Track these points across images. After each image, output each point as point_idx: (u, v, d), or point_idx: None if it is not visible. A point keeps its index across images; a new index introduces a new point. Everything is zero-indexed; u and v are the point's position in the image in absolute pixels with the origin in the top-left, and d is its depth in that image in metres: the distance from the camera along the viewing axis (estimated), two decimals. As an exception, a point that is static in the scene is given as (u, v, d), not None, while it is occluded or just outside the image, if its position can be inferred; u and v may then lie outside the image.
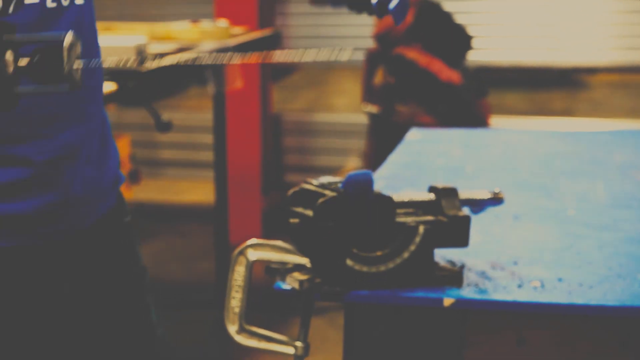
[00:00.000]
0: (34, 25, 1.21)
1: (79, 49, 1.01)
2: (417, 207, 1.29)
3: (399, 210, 1.25)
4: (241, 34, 3.59)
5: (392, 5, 1.26)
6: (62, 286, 1.37)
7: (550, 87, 7.86)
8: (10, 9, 1.20)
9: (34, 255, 1.30)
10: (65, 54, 0.97)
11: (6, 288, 1.29)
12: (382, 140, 3.75)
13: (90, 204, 1.34)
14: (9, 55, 0.96)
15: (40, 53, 0.97)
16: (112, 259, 1.47)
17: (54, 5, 1.23)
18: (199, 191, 4.86)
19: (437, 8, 3.94)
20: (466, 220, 1.22)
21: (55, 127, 1.23)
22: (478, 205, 1.32)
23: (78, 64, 0.99)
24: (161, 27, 3.58)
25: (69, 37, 0.98)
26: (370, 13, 1.31)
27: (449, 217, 1.24)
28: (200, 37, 3.47)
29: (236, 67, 3.68)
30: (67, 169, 1.24)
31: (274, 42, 3.90)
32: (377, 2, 1.29)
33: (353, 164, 4.58)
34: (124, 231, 1.50)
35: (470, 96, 3.79)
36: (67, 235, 1.32)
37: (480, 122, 3.71)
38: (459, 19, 3.98)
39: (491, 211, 1.34)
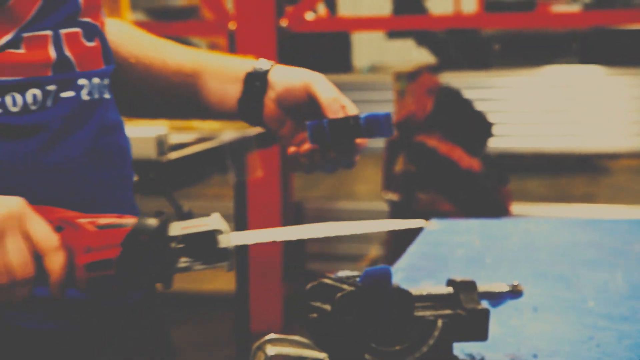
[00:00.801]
0: (70, 117, 1.30)
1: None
2: (435, 300, 1.27)
3: (417, 304, 1.23)
4: (262, 123, 3.64)
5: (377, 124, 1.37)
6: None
7: (572, 172, 8.19)
8: (49, 103, 1.27)
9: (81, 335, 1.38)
10: (219, 238, 1.14)
11: None
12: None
13: None
14: (173, 244, 1.12)
15: (195, 237, 1.14)
16: (146, 338, 1.52)
17: (87, 98, 1.30)
18: (220, 279, 4.88)
19: (457, 96, 4.04)
20: (485, 313, 1.22)
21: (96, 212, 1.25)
22: (497, 299, 1.32)
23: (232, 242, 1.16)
24: (181, 117, 3.67)
25: (221, 223, 1.13)
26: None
27: (467, 310, 1.23)
28: (221, 126, 3.52)
29: (257, 156, 3.75)
30: None
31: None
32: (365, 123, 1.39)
33: (374, 252, 4.64)
34: (157, 312, 1.59)
35: (490, 183, 3.82)
36: (104, 317, 1.39)
37: (501, 209, 3.76)
38: (478, 107, 4.06)
39: (510, 303, 1.35)
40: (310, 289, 1.29)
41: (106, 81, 1.37)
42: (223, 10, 4.62)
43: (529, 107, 5.28)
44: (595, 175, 8.25)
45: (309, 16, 5.09)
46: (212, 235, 1.14)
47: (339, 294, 1.21)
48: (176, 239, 1.13)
